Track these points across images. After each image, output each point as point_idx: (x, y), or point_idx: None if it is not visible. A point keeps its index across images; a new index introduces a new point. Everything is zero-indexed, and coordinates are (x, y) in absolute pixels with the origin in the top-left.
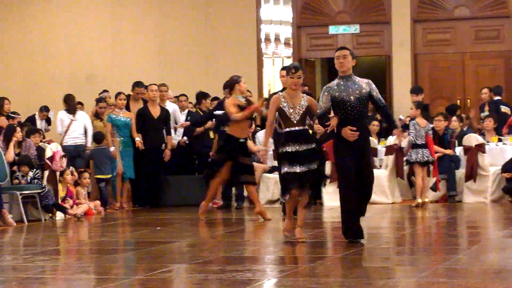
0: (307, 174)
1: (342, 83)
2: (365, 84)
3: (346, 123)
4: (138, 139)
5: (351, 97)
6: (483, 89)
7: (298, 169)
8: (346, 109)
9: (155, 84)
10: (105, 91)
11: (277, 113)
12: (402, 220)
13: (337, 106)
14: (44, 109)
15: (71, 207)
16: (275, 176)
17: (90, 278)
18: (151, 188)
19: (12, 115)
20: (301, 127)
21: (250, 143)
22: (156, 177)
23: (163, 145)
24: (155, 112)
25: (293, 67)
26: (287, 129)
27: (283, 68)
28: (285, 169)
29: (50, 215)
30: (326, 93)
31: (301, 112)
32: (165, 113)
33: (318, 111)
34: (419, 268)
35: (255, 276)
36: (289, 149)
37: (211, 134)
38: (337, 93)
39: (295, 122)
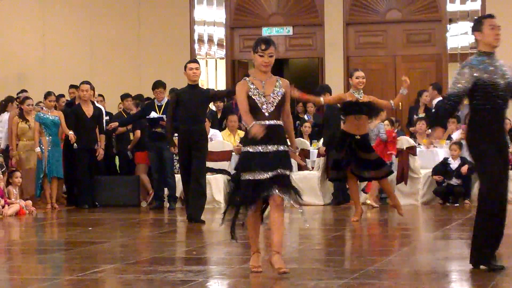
0: (276, 179)
1: (487, 61)
2: (508, 68)
3: (492, 115)
4: (71, 132)
5: (501, 81)
6: (424, 92)
7: (263, 175)
8: (495, 96)
9: (87, 83)
10: (23, 91)
11: None
12: (334, 222)
13: (485, 91)
14: None
15: (3, 207)
16: (208, 176)
17: (20, 278)
18: (86, 187)
19: None
20: (273, 122)
21: None
22: (90, 176)
23: (96, 144)
24: (88, 111)
25: (263, 42)
26: (255, 123)
27: (192, 61)
28: (246, 176)
29: None
30: (468, 70)
31: (276, 101)
32: (98, 112)
33: (450, 90)
34: (349, 269)
35: (187, 277)
36: (252, 149)
37: (131, 135)
38: (485, 74)
39: (267, 114)
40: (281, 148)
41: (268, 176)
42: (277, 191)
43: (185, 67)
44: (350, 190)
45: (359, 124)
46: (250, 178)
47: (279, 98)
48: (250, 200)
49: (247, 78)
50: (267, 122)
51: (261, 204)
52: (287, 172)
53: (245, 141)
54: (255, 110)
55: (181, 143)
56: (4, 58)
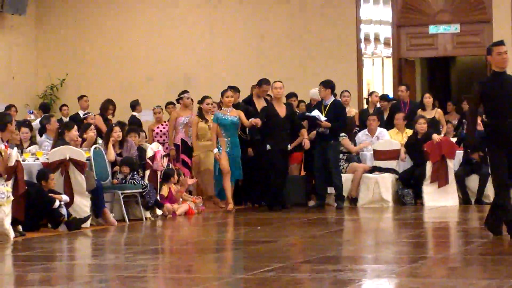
0: None
1: None
2: None
3: None
4: (254, 120)
5: None
6: None
7: None
8: None
9: (280, 81)
10: (184, 91)
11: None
12: None
13: None
14: None
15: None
16: (376, 176)
17: (191, 277)
18: (276, 188)
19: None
20: None
21: (348, 142)
22: (282, 177)
23: (289, 145)
24: (281, 110)
25: None
26: None
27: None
28: None
29: (152, 214)
30: None
31: None
32: (290, 112)
33: None
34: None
35: (356, 276)
36: None
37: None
38: None
39: None
40: None
41: None
42: None
43: (492, 50)
44: None
45: None
46: None
47: None
48: None
49: None
50: None
51: None
52: None
53: None
54: None
55: (492, 141)
56: (171, 60)
